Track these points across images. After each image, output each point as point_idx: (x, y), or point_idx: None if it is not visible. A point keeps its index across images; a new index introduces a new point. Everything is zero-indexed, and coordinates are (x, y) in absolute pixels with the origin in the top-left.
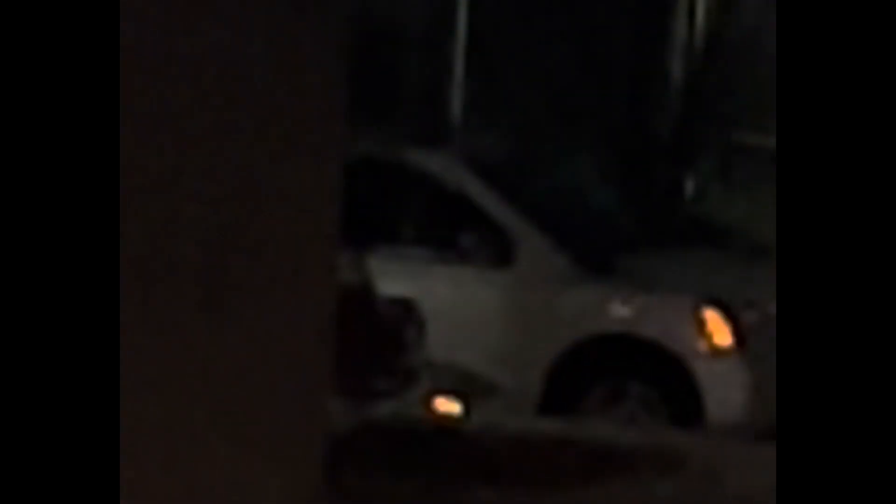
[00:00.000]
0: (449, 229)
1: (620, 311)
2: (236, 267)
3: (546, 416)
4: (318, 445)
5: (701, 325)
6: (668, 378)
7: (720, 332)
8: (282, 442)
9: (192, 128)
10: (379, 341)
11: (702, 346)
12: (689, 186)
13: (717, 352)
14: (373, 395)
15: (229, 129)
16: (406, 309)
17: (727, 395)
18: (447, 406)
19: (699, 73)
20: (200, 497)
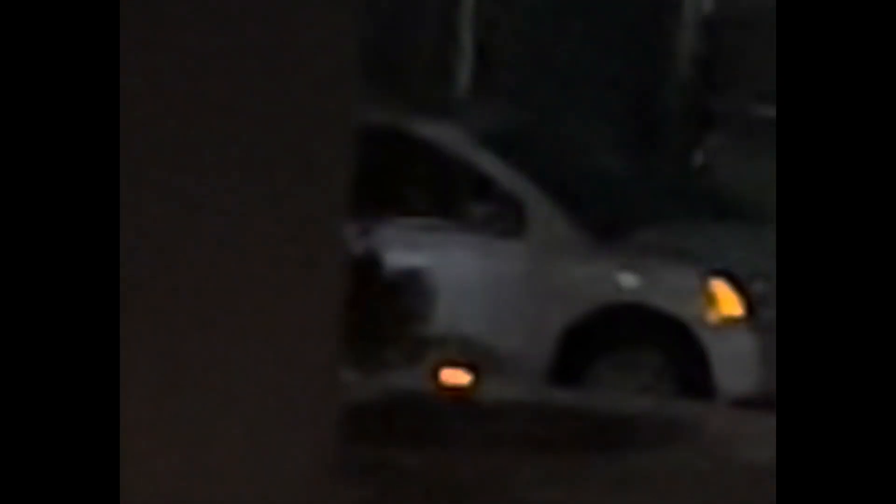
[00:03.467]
0: (458, 199)
1: (631, 282)
2: (245, 242)
3: (556, 387)
4: (333, 418)
5: (711, 295)
6: (678, 348)
7: (730, 302)
8: (296, 415)
9: (196, 100)
10: (386, 313)
11: (712, 316)
12: (701, 157)
13: (726, 322)
14: (381, 367)
15: (235, 103)
16: (414, 280)
17: (737, 365)
18: (456, 377)
19: (712, 42)
20: (217, 472)
